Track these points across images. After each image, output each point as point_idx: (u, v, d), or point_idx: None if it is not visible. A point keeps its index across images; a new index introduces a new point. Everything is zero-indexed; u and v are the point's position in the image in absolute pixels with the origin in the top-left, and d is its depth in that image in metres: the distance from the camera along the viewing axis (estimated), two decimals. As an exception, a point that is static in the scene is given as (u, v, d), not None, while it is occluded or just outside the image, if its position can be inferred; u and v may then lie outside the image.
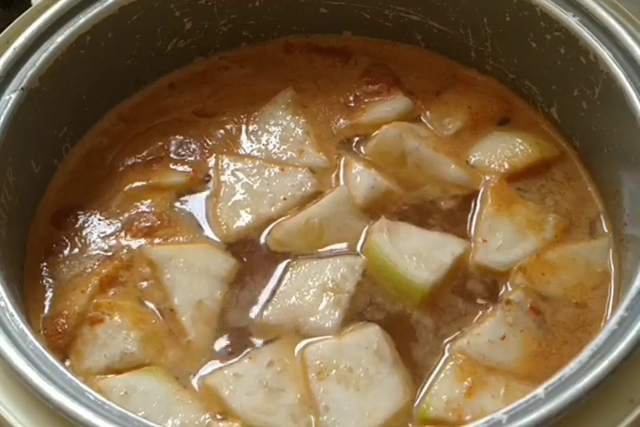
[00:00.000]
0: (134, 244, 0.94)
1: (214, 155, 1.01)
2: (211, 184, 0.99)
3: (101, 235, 0.95)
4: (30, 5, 0.93)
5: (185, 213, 0.97)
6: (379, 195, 0.97)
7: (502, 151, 1.00)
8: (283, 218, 0.95)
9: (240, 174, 0.98)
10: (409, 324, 0.89)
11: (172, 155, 1.02)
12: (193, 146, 1.02)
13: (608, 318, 0.88)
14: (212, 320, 0.89)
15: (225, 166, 0.99)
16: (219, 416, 0.82)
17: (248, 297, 0.91)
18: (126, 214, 0.97)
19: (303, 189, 0.97)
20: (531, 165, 0.99)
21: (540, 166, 1.00)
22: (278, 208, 0.95)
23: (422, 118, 1.04)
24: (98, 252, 0.94)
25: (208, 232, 0.95)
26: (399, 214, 0.96)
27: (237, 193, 0.97)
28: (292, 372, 0.84)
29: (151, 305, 0.90)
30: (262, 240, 0.94)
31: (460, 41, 1.05)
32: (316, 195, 0.97)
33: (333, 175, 0.99)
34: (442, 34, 1.05)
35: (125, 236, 0.95)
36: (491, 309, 0.89)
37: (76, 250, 0.94)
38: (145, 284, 0.91)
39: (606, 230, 0.96)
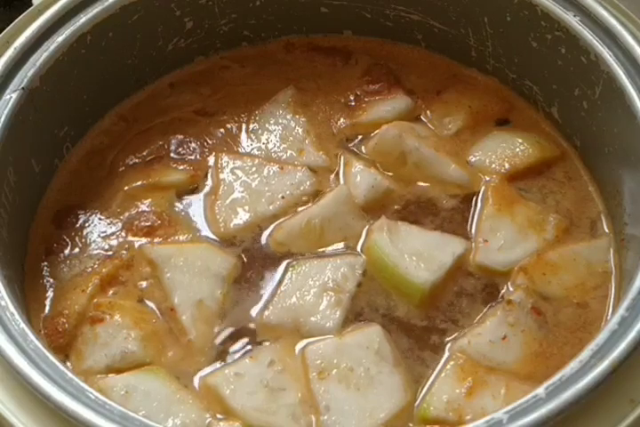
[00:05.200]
0: (134, 243, 0.94)
1: (214, 153, 1.01)
2: (210, 182, 0.99)
3: (102, 234, 0.95)
4: (30, 5, 0.93)
5: (185, 213, 0.97)
6: (379, 194, 0.97)
7: (503, 151, 1.00)
8: (283, 219, 0.95)
9: (239, 173, 0.98)
10: (409, 323, 0.89)
11: (172, 154, 1.02)
12: (193, 145, 1.02)
13: (609, 317, 0.88)
14: (213, 320, 0.89)
15: (224, 164, 0.99)
16: (219, 416, 0.82)
17: (248, 297, 0.91)
18: (126, 214, 0.97)
19: (302, 188, 0.97)
20: (531, 164, 0.99)
21: (540, 166, 1.00)
22: (276, 207, 0.95)
23: (423, 118, 1.04)
24: (98, 251, 0.94)
25: (208, 231, 0.95)
26: (399, 214, 0.96)
27: (236, 191, 0.97)
28: (292, 371, 0.84)
29: (151, 304, 0.90)
30: (263, 240, 0.94)
31: (460, 40, 1.05)
32: (314, 194, 0.97)
33: (333, 174, 0.99)
34: (442, 33, 1.05)
35: (126, 235, 0.95)
36: (491, 309, 0.89)
37: (77, 249, 0.94)
38: (145, 283, 0.91)
39: (607, 230, 0.96)
